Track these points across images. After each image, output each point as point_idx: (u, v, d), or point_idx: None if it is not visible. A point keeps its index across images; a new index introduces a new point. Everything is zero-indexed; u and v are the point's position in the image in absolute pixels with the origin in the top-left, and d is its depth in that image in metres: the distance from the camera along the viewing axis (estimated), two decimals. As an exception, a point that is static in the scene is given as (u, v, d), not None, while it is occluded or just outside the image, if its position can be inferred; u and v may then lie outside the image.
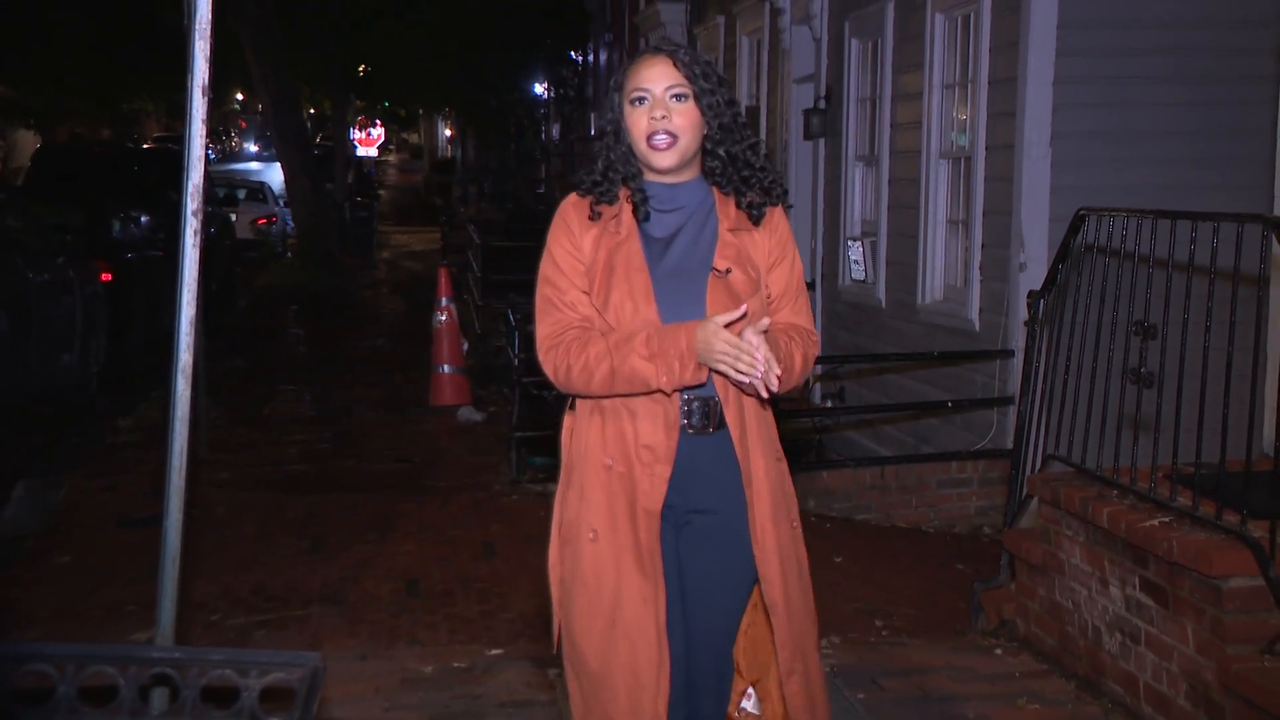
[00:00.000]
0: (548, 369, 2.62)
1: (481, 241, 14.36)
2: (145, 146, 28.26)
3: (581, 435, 2.65)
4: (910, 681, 4.22)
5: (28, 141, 29.26)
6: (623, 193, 2.66)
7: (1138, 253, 4.26)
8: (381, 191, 41.96)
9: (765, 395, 2.51)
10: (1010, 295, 6.65)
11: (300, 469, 7.81)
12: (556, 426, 2.74)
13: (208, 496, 6.77)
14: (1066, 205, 5.66)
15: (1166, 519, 3.85)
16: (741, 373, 2.46)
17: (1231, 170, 6.44)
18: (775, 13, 10.13)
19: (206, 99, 2.78)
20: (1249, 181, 6.19)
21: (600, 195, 2.65)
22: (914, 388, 7.68)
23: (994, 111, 6.87)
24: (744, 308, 2.51)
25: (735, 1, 11.48)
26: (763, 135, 10.09)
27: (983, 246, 7.04)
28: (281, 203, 24.24)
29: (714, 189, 2.68)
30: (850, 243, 8.73)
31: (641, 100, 2.61)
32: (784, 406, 6.56)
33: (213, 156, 37.19)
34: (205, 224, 2.88)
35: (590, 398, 2.62)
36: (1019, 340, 6.21)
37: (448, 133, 55.99)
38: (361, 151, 47.98)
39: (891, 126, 8.24)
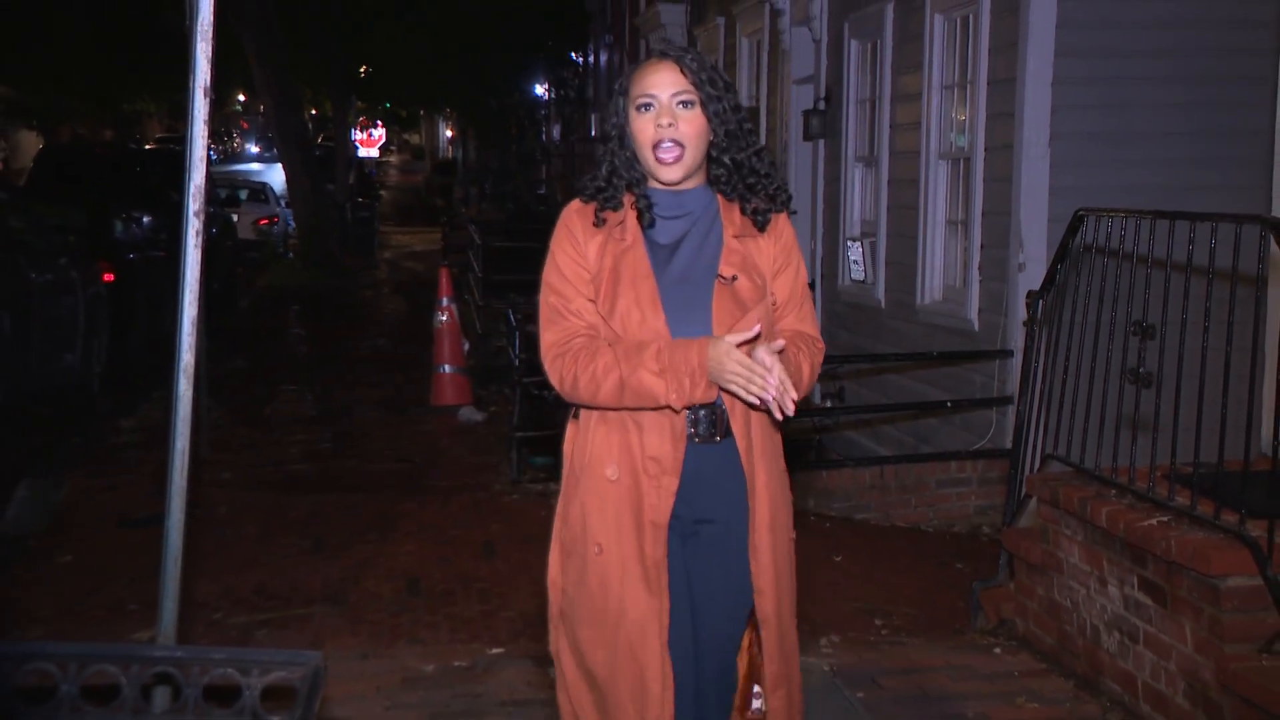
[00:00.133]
0: (553, 378, 2.59)
1: (482, 242, 14.39)
2: (147, 147, 28.26)
3: (584, 445, 2.62)
4: (909, 680, 4.23)
5: (30, 142, 29.29)
6: (627, 199, 2.63)
7: (1136, 253, 4.27)
8: (383, 192, 41.96)
9: (780, 418, 2.47)
10: (1009, 295, 6.66)
11: (301, 469, 7.82)
12: (557, 426, 2.74)
13: (209, 496, 6.78)
14: (1065, 206, 5.67)
15: (1165, 518, 3.86)
16: (751, 395, 2.44)
17: (1230, 171, 6.45)
18: (775, 14, 10.15)
19: (208, 100, 2.79)
20: (1248, 182, 6.21)
21: (605, 201, 2.62)
22: (913, 388, 7.69)
23: (993, 112, 6.88)
24: (756, 328, 2.48)
25: (735, 3, 11.50)
26: (762, 136, 10.11)
27: (982, 247, 7.05)
28: (283, 203, 24.27)
29: (718, 195, 2.66)
30: (850, 243, 8.75)
31: (648, 106, 2.58)
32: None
33: (214, 157, 37.16)
34: (207, 224, 2.89)
35: (596, 409, 2.59)
36: (1018, 340, 6.22)
37: (449, 134, 56.02)
38: (363, 152, 48.01)
39: (891, 127, 8.25)
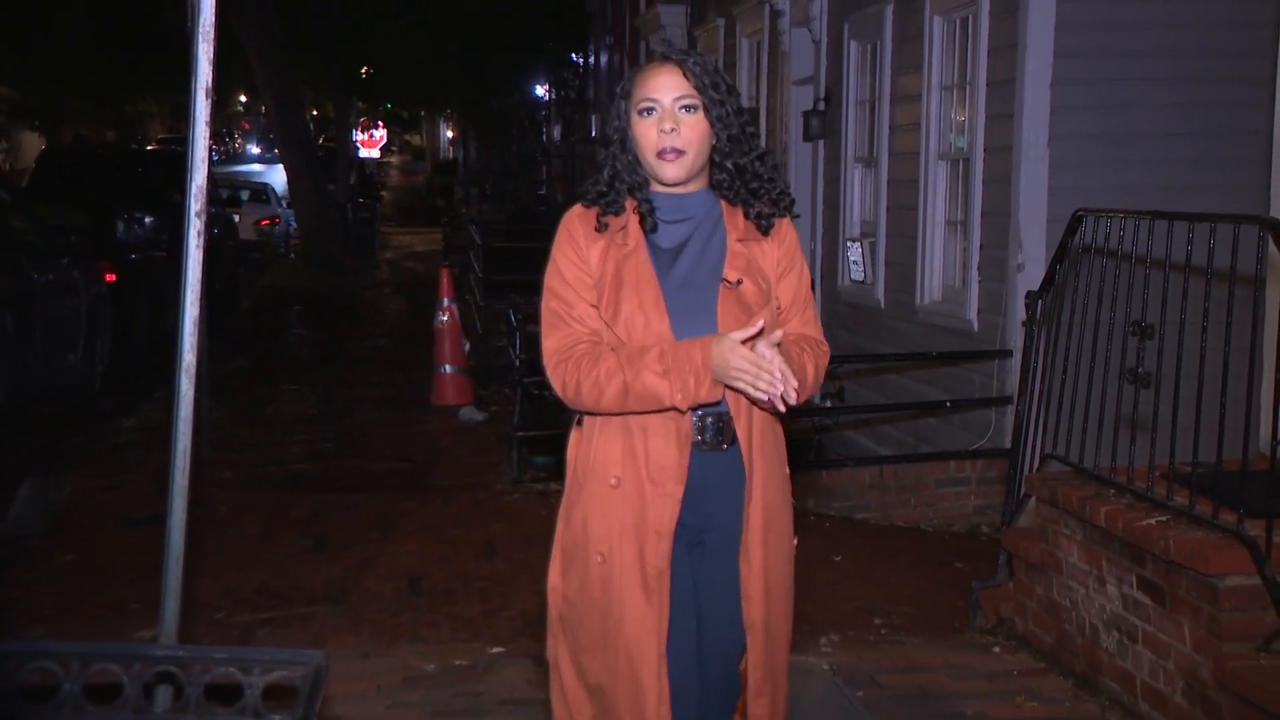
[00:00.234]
0: (556, 384, 2.56)
1: (483, 242, 14.41)
2: (149, 148, 28.29)
3: (588, 452, 2.60)
4: (909, 679, 4.24)
5: (33, 143, 29.32)
6: (629, 203, 2.60)
7: (1135, 253, 4.28)
8: (384, 193, 41.96)
9: (783, 409, 2.45)
10: (1008, 296, 6.68)
11: (303, 468, 7.84)
12: (558, 426, 2.74)
13: (211, 496, 6.79)
14: (1064, 206, 5.68)
15: (1163, 518, 3.87)
16: (760, 390, 2.40)
17: (1230, 171, 6.46)
18: (775, 15, 10.16)
19: (210, 101, 2.79)
20: (1247, 182, 6.21)
21: (606, 206, 2.59)
22: (913, 387, 7.70)
23: (992, 113, 6.89)
24: (760, 323, 2.44)
25: (735, 4, 11.51)
26: (762, 137, 10.12)
27: (981, 247, 7.06)
28: (284, 204, 24.30)
29: (721, 199, 2.63)
30: (849, 244, 8.76)
31: (650, 111, 2.55)
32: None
33: (216, 158, 37.20)
34: (209, 225, 2.90)
35: (600, 415, 2.56)
36: (1017, 340, 6.23)
37: (449, 134, 56.04)
38: (364, 153, 48.04)
39: (890, 128, 8.27)
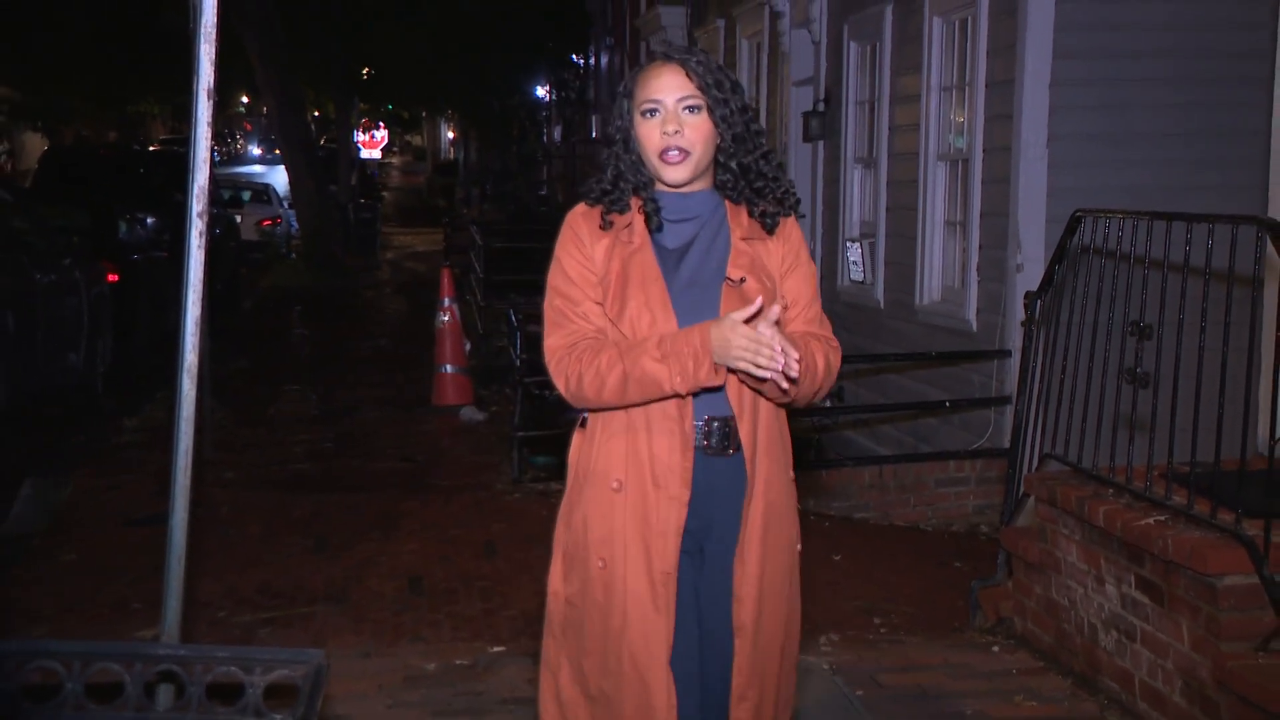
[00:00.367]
0: (558, 381, 2.54)
1: (484, 243, 14.39)
2: (151, 149, 28.30)
3: (590, 455, 2.58)
4: (908, 678, 4.25)
5: (35, 144, 29.34)
6: (634, 202, 2.59)
7: (1134, 254, 4.29)
8: (385, 193, 41.96)
9: (785, 385, 2.40)
10: (1007, 296, 6.69)
11: (304, 468, 7.85)
12: (559, 426, 2.74)
13: (212, 496, 6.81)
14: (1063, 206, 5.69)
15: (1162, 518, 3.88)
16: (761, 367, 2.35)
17: (1228, 171, 6.47)
18: (775, 16, 10.17)
19: (212, 102, 2.80)
20: (1246, 182, 6.22)
21: (611, 204, 2.58)
22: (912, 388, 7.71)
23: (991, 114, 6.90)
24: (758, 302, 2.40)
25: (735, 5, 11.52)
26: (764, 136, 10.12)
27: (980, 248, 7.07)
28: (286, 204, 24.30)
29: (725, 199, 2.62)
30: (849, 244, 8.77)
31: (653, 112, 2.52)
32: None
33: (218, 159, 37.18)
34: (210, 225, 2.91)
35: (601, 409, 2.54)
36: (1016, 340, 6.24)
37: (450, 135, 56.04)
38: (365, 153, 48.01)
39: (890, 129, 8.28)
